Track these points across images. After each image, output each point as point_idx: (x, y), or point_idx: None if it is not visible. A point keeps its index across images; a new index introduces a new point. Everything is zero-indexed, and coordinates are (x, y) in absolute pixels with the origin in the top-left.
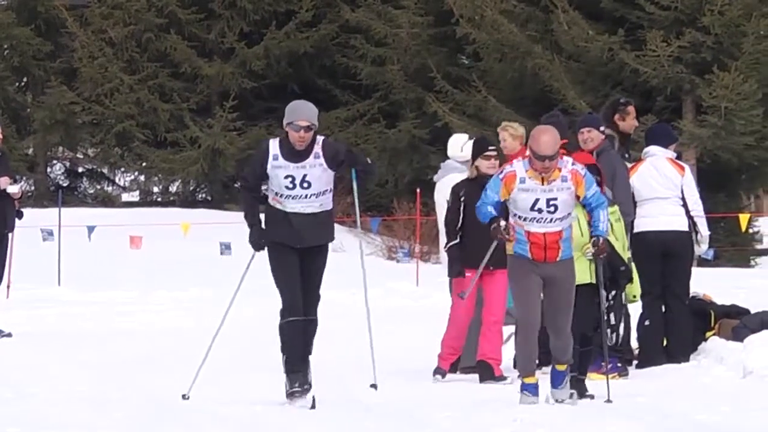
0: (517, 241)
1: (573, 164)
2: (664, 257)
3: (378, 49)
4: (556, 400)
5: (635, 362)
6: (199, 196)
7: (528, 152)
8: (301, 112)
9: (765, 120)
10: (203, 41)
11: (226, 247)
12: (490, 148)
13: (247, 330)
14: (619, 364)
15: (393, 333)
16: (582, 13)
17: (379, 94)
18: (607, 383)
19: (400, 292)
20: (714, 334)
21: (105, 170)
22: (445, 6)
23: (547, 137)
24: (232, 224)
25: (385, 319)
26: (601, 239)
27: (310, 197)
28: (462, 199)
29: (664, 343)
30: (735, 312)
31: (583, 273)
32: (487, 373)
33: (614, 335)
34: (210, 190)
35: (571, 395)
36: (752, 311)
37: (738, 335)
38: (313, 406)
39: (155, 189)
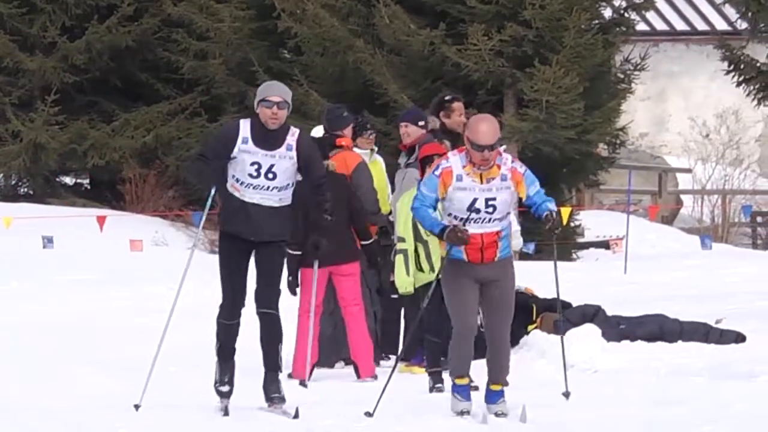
0: None
1: (512, 162)
2: None
3: (200, 43)
4: (496, 414)
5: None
6: (21, 190)
7: (466, 144)
8: (274, 88)
9: (586, 114)
10: (25, 35)
11: (48, 241)
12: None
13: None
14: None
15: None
16: (404, 6)
17: (201, 88)
18: (565, 374)
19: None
20: (536, 328)
21: None
22: (266, 0)
23: (486, 126)
24: (55, 218)
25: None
26: (553, 213)
27: (271, 189)
28: None
29: None
30: (557, 305)
31: None
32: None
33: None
34: (32, 184)
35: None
36: (573, 304)
37: (560, 329)
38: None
39: None
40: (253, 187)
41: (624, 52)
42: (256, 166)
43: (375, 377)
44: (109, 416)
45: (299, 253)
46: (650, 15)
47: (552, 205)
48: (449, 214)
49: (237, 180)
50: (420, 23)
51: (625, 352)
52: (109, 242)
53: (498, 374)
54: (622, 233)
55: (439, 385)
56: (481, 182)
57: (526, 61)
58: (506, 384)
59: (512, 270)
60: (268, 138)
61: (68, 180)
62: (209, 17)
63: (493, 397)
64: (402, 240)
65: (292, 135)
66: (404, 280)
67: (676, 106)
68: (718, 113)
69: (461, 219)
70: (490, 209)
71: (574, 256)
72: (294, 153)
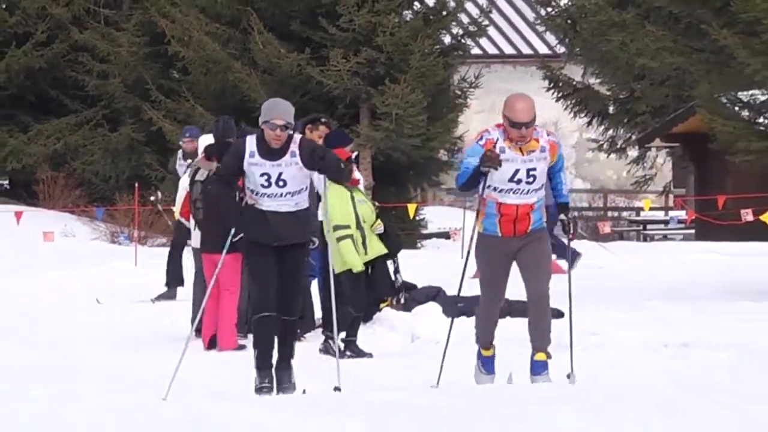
0: (486, 215)
1: (549, 135)
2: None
3: (102, 65)
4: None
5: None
6: None
7: (503, 122)
8: (278, 111)
9: (429, 124)
10: None
11: None
12: None
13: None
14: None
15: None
16: (275, 34)
17: (103, 103)
18: (571, 361)
19: (122, 271)
20: (387, 306)
21: None
22: (158, 28)
23: (523, 104)
24: None
25: (107, 294)
26: (568, 219)
27: (285, 196)
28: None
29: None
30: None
31: (379, 246)
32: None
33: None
34: None
35: (569, 376)
36: (418, 286)
37: (407, 307)
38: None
39: None
40: (268, 196)
41: (461, 72)
42: (266, 177)
43: (240, 347)
44: (24, 384)
45: None
46: (483, 41)
47: (566, 189)
48: (489, 186)
49: (252, 191)
50: (289, 48)
51: (463, 327)
52: (25, 234)
53: (541, 341)
54: (459, 225)
55: (351, 353)
56: (522, 154)
57: (379, 80)
58: (550, 356)
59: (546, 238)
60: (272, 150)
61: None
62: (110, 43)
63: (537, 368)
64: (346, 227)
65: (295, 143)
66: (357, 260)
67: None
68: (540, 124)
69: (501, 190)
70: (531, 179)
71: (418, 245)
72: (298, 158)
